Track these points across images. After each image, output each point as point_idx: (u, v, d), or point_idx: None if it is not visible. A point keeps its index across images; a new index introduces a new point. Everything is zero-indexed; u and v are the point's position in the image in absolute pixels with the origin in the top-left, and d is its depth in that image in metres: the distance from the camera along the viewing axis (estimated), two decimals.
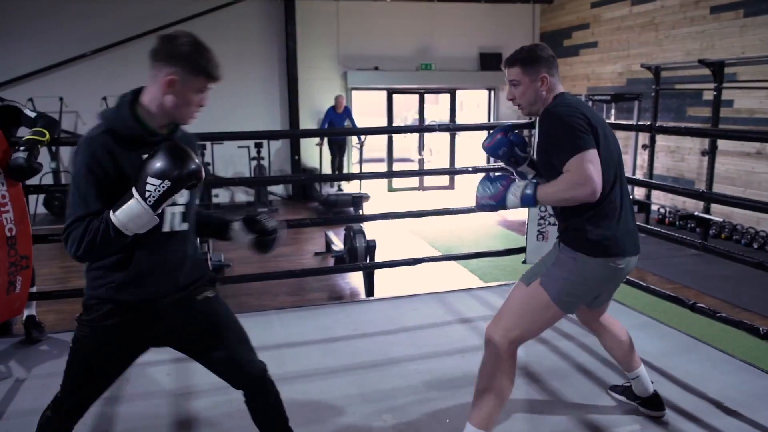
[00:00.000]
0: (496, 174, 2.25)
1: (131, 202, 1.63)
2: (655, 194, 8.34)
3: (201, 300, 1.96)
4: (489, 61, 11.22)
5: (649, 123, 7.67)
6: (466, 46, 11.06)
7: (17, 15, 9.03)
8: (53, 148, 9.06)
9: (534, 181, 2.15)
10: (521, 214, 8.32)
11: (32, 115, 3.35)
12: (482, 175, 2.35)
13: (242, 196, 10.51)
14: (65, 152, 9.44)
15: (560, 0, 10.80)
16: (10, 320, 3.50)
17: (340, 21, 10.36)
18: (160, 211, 1.68)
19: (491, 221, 8.44)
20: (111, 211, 1.65)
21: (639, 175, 8.28)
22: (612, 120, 8.42)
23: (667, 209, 8.08)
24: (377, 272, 5.18)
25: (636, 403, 2.67)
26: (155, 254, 1.81)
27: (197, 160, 1.73)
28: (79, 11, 9.21)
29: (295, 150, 10.51)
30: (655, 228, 4.06)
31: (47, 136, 3.24)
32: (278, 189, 10.74)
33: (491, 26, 11.15)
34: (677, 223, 7.78)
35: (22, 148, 3.08)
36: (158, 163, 1.65)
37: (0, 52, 8.93)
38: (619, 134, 8.90)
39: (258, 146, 9.54)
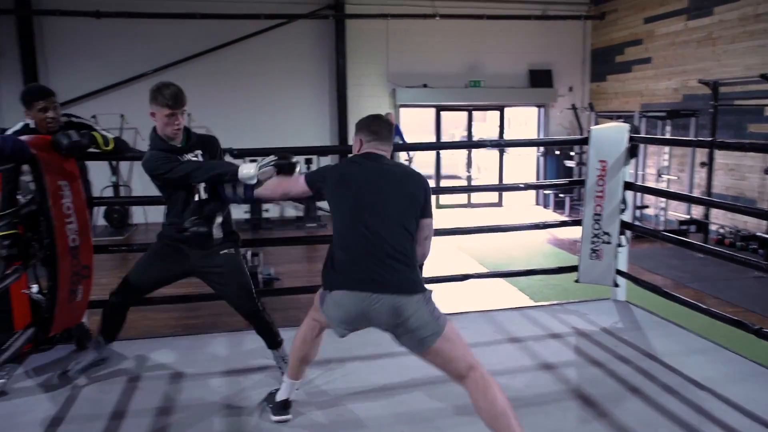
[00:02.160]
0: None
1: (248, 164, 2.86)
2: (714, 214, 8.03)
3: (222, 254, 3.06)
4: (538, 78, 11.11)
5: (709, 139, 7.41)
6: (515, 62, 10.99)
7: (84, 36, 9.48)
8: (113, 164, 9.43)
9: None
10: (572, 232, 8.17)
11: (109, 136, 3.49)
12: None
13: (292, 210, 10.66)
14: (124, 167, 9.80)
15: (612, 16, 10.63)
16: (70, 327, 3.62)
17: (389, 38, 10.46)
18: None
19: (541, 239, 8.29)
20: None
21: (696, 194, 7.99)
22: (668, 137, 8.20)
23: (727, 229, 7.76)
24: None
25: None
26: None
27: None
28: (142, 32, 9.60)
29: None
30: (716, 248, 3.90)
31: (110, 146, 3.39)
32: (327, 204, 10.83)
33: (541, 43, 11.05)
34: (737, 244, 7.46)
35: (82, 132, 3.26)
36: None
37: (68, 72, 9.37)
38: (676, 151, 8.62)
39: (308, 162, 9.68)
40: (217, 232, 3.05)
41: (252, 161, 2.87)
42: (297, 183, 2.73)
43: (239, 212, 9.91)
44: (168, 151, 2.92)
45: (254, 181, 2.83)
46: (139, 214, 10.01)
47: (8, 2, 9.15)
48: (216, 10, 9.58)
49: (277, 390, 2.85)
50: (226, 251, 3.08)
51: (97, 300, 3.70)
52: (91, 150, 3.36)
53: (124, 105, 9.55)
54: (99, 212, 9.36)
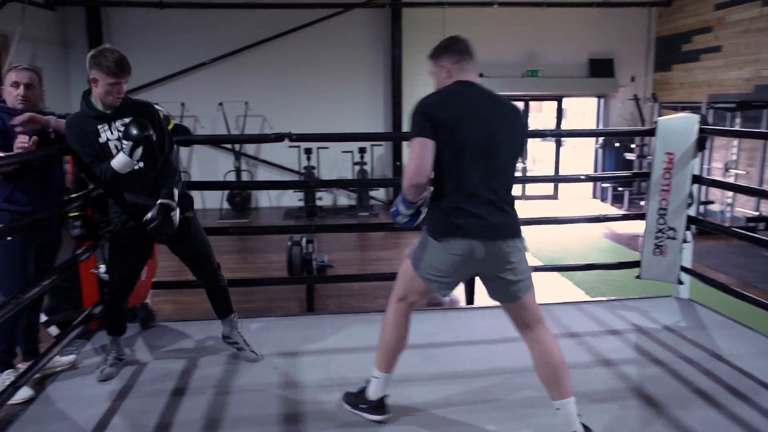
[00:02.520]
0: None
1: (119, 155, 2.76)
2: None
3: (181, 218, 2.94)
4: (599, 68, 10.78)
5: None
6: (575, 52, 10.69)
7: (148, 26, 9.78)
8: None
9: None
10: (631, 227, 7.92)
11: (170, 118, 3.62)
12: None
13: (344, 199, 10.75)
14: (183, 152, 10.09)
15: (680, 2, 10.18)
16: (134, 306, 3.76)
17: (446, 27, 10.32)
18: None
19: (597, 233, 8.08)
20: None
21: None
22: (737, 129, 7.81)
23: None
24: (478, 280, 5.08)
25: None
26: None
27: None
28: (202, 22, 9.83)
29: (397, 156, 10.60)
30: None
31: (170, 126, 3.54)
32: (379, 194, 10.88)
33: (603, 31, 10.70)
34: None
35: None
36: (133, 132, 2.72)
37: (131, 61, 9.63)
38: (745, 144, 8.21)
39: (361, 151, 9.71)
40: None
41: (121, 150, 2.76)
42: (424, 148, 2.25)
43: (293, 200, 10.06)
44: (93, 117, 2.79)
45: (130, 167, 2.75)
46: (196, 200, 10.28)
47: None
48: (274, 0, 9.70)
49: (363, 389, 2.68)
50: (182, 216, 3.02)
51: (163, 281, 3.83)
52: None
53: (184, 94, 9.82)
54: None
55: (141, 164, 2.85)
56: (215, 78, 10.00)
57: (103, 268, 3.56)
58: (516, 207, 2.36)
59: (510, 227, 2.32)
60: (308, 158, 9.57)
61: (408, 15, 10.25)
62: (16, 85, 2.88)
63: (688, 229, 3.95)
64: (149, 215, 2.81)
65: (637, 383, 3.00)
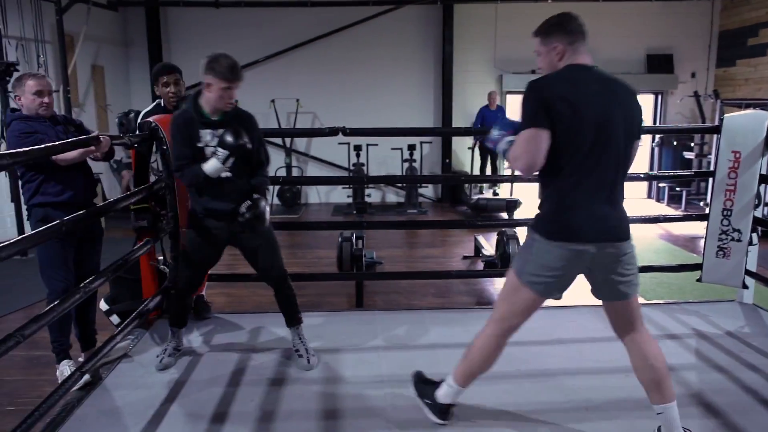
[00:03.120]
0: (507, 121, 2.33)
1: (212, 160, 2.82)
2: None
3: (260, 230, 2.95)
4: (657, 63, 10.43)
5: None
6: (632, 47, 10.37)
7: (203, 25, 10.02)
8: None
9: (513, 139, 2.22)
10: (688, 228, 7.64)
11: None
12: None
13: (393, 196, 10.76)
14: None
15: None
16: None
17: (497, 24, 10.22)
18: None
19: (653, 234, 7.82)
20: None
21: None
22: None
23: None
24: None
25: None
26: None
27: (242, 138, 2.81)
28: (255, 20, 10.01)
29: (446, 153, 10.55)
30: None
31: None
32: (428, 191, 10.84)
33: (662, 26, 10.35)
34: None
35: None
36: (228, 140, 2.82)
37: (188, 59, 9.89)
38: None
39: (411, 148, 9.70)
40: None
41: (214, 155, 2.82)
42: (538, 140, 2.07)
43: (342, 196, 10.14)
44: (199, 120, 2.87)
45: (219, 173, 2.81)
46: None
47: None
48: None
49: (435, 383, 2.61)
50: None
51: (217, 274, 3.92)
52: None
53: (238, 91, 9.96)
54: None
55: (230, 174, 2.90)
56: (267, 75, 10.17)
57: (162, 259, 3.68)
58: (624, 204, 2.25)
59: (625, 228, 2.22)
60: (357, 155, 9.62)
61: (459, 11, 10.17)
62: (40, 93, 2.98)
63: (754, 231, 3.78)
64: (243, 208, 2.88)
65: (697, 390, 2.89)
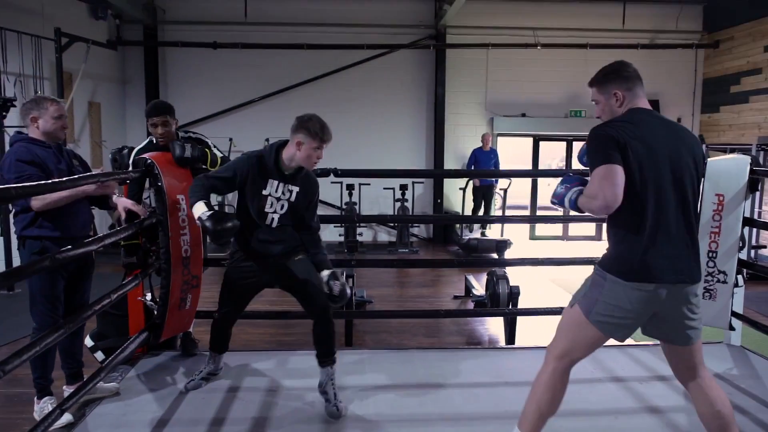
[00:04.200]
0: (572, 176, 2.37)
1: (202, 208, 2.80)
2: None
3: (295, 260, 3.09)
4: None
5: None
6: None
7: (201, 65, 10.20)
8: None
9: (581, 189, 2.26)
10: None
11: (219, 155, 3.73)
12: None
13: (384, 236, 10.78)
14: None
15: (727, 44, 10.05)
16: (176, 335, 3.83)
17: (489, 68, 10.46)
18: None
19: None
20: (202, 199, 2.82)
21: None
22: None
23: None
24: (519, 321, 5.00)
25: None
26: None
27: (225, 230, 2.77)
28: (252, 61, 10.20)
29: (438, 193, 10.63)
30: None
31: (216, 166, 3.63)
32: (420, 231, 10.89)
33: (648, 72, 10.39)
34: None
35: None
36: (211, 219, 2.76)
37: (185, 97, 10.08)
38: None
39: (402, 188, 9.78)
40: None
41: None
42: (615, 175, 2.07)
43: (334, 235, 10.16)
44: (273, 172, 2.95)
45: (206, 220, 2.76)
46: None
47: (138, 34, 10.03)
48: (322, 40, 10.01)
49: None
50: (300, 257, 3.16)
51: (204, 311, 3.90)
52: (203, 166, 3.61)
53: (233, 129, 10.13)
54: None
55: (279, 223, 3.03)
56: (262, 114, 10.31)
57: (149, 296, 3.66)
58: (698, 244, 2.24)
59: (696, 270, 2.20)
60: (350, 194, 9.68)
61: (451, 55, 10.42)
62: (60, 117, 3.03)
63: (739, 273, 3.82)
64: (335, 287, 2.98)
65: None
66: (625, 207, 2.11)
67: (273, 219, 3.03)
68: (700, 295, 2.24)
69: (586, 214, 2.33)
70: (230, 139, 10.01)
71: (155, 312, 3.47)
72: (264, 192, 2.96)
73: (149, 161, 3.29)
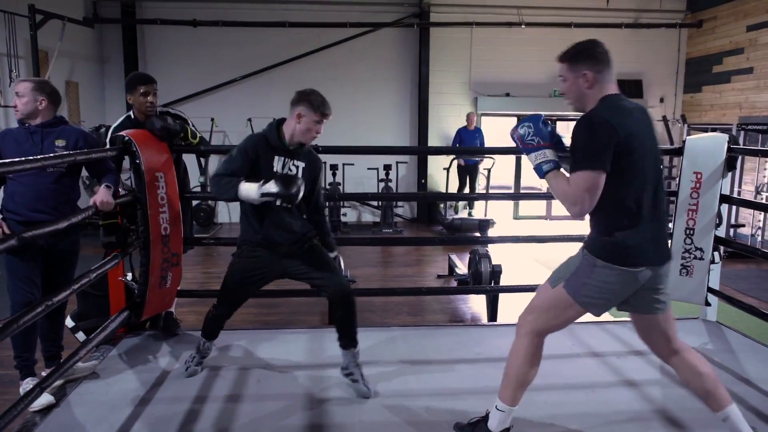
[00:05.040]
0: (546, 124, 2.30)
1: (254, 186, 2.71)
2: None
3: (306, 247, 3.01)
4: (627, 88, 10.69)
5: None
6: None
7: (181, 44, 10.04)
8: (203, 163, 9.92)
9: (556, 163, 2.24)
10: None
11: (196, 135, 3.71)
12: None
13: (368, 216, 10.79)
14: (212, 168, 10.27)
15: (710, 24, 10.10)
16: (159, 314, 3.82)
17: (473, 47, 10.42)
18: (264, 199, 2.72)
19: None
20: (242, 181, 2.74)
21: None
22: None
23: None
24: (501, 298, 5.06)
25: None
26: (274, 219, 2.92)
27: (297, 188, 2.73)
28: (233, 40, 10.06)
29: (422, 173, 10.64)
30: None
31: (196, 140, 3.62)
32: (404, 211, 10.90)
33: (632, 52, 10.64)
34: None
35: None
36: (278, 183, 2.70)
37: (164, 77, 9.89)
38: None
39: (387, 168, 9.77)
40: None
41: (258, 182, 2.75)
42: (598, 187, 2.10)
43: None
44: (276, 147, 2.89)
45: (257, 201, 2.73)
46: (224, 213, 10.45)
47: (115, 12, 9.83)
48: (304, 18, 9.89)
49: (478, 419, 2.54)
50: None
51: (185, 290, 3.89)
52: (184, 143, 3.59)
53: (214, 109, 10.02)
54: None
55: (290, 206, 2.90)
56: (244, 94, 10.20)
57: (130, 276, 3.64)
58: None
59: (669, 250, 2.33)
60: (333, 175, 9.65)
61: (435, 34, 10.35)
62: (17, 95, 2.98)
63: (716, 249, 3.88)
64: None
65: (661, 405, 2.94)
66: (615, 196, 2.15)
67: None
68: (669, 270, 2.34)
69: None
70: (212, 119, 9.91)
71: (135, 291, 3.46)
72: (273, 170, 2.88)
73: (127, 138, 3.25)
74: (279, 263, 2.99)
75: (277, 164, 2.89)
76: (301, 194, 2.76)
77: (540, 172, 2.27)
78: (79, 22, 9.04)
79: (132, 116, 3.60)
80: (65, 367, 2.79)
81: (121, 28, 9.88)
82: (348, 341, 3.01)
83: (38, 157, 2.58)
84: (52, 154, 2.83)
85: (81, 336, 3.68)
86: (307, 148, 3.01)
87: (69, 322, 3.67)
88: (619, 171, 2.11)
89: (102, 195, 2.98)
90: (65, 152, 2.93)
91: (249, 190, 2.71)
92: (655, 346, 2.43)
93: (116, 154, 3.28)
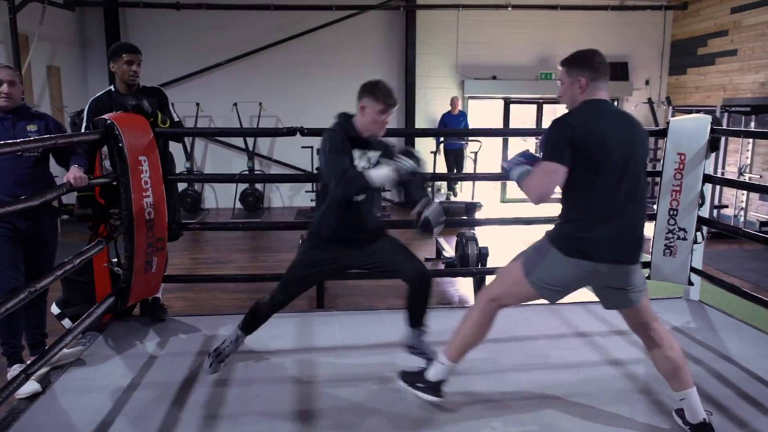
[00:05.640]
0: (528, 153, 2.47)
1: (383, 169, 2.64)
2: None
3: (380, 239, 2.98)
4: (613, 71, 10.70)
5: None
6: None
7: (164, 27, 9.89)
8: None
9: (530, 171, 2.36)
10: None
11: (167, 121, 3.71)
12: None
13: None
14: (198, 153, 10.19)
15: (695, 6, 10.11)
16: (146, 299, 3.81)
17: (459, 30, 10.36)
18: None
19: None
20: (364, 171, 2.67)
21: None
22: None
23: None
24: (489, 280, 5.09)
25: (687, 429, 2.51)
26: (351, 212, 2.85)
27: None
28: (218, 23, 9.92)
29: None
30: None
31: (167, 124, 3.66)
32: (392, 195, 10.89)
33: (618, 34, 10.65)
34: None
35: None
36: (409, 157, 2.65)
37: (148, 61, 9.73)
38: (760, 149, 8.13)
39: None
40: None
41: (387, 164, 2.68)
42: (556, 175, 2.23)
43: (305, 200, 10.13)
44: (355, 140, 2.83)
45: (400, 164, 2.62)
46: (210, 199, 10.39)
47: None
48: (289, 1, 9.76)
49: (422, 369, 2.70)
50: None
51: (171, 275, 3.88)
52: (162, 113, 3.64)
53: (199, 94, 9.91)
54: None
55: (363, 195, 2.82)
56: (230, 79, 10.09)
57: (115, 261, 3.62)
58: (644, 229, 2.40)
59: (637, 253, 2.37)
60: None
61: (422, 17, 10.28)
62: None
63: (698, 230, 3.93)
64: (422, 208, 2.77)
65: (644, 383, 2.99)
66: (579, 189, 2.28)
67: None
68: (639, 271, 2.40)
69: None
70: (197, 104, 9.81)
71: (121, 277, 3.44)
72: (354, 163, 2.81)
73: (109, 122, 3.21)
74: (351, 255, 2.94)
75: (357, 156, 2.83)
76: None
77: (520, 177, 2.38)
78: (60, 5, 8.86)
79: (113, 89, 3.60)
80: (50, 354, 2.78)
81: (103, 11, 9.70)
82: (419, 321, 3.03)
83: (18, 140, 2.54)
84: (31, 138, 2.80)
85: (67, 323, 3.66)
86: (377, 138, 2.94)
87: (54, 309, 3.65)
88: (581, 167, 2.23)
89: (74, 171, 2.93)
90: (42, 136, 2.90)
91: (380, 174, 2.63)
92: (633, 328, 2.56)
93: (99, 138, 3.24)
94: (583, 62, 2.34)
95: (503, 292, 2.50)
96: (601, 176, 2.25)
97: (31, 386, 2.80)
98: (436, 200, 3.02)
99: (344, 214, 2.85)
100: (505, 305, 2.52)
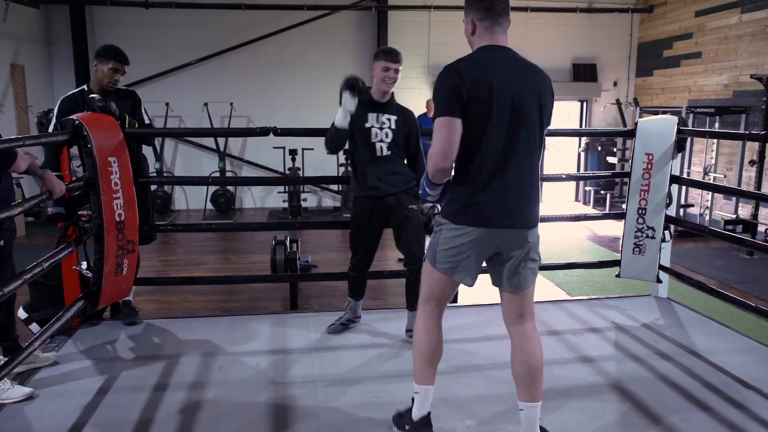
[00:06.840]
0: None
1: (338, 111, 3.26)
2: (762, 214, 7.77)
3: (410, 208, 3.33)
4: (582, 72, 10.90)
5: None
6: (559, 56, 10.79)
7: (133, 26, 9.72)
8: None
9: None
10: (612, 229, 8.02)
11: (145, 120, 3.67)
12: None
13: (329, 201, 10.75)
14: (168, 153, 10.04)
15: (661, 9, 10.34)
16: (117, 302, 3.74)
17: (431, 30, 10.42)
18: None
19: (580, 236, 8.16)
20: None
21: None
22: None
23: None
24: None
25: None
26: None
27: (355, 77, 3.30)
28: (187, 22, 9.78)
29: None
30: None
31: (135, 126, 3.65)
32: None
33: (586, 36, 10.83)
34: None
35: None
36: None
37: None
38: (723, 149, 8.35)
39: (346, 153, 9.72)
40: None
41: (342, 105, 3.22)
42: (451, 129, 2.05)
43: (278, 201, 10.05)
44: (369, 104, 3.31)
45: (348, 115, 3.22)
46: (181, 200, 10.24)
47: None
48: (260, 1, 9.69)
49: (410, 408, 2.46)
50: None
51: (143, 278, 3.81)
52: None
53: (169, 94, 9.76)
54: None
55: (389, 152, 3.30)
56: (200, 78, 9.96)
57: (84, 264, 3.55)
58: (538, 190, 2.22)
59: (531, 216, 2.18)
60: (293, 160, 9.55)
61: (393, 17, 10.30)
62: None
63: (666, 228, 4.02)
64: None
65: (615, 379, 3.05)
66: (462, 152, 2.09)
67: (381, 148, 3.29)
68: (536, 241, 2.23)
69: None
70: (167, 104, 9.66)
71: (91, 280, 3.37)
72: (367, 125, 3.29)
73: (77, 122, 3.15)
74: (385, 213, 3.34)
75: (372, 119, 3.29)
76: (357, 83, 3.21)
77: (427, 182, 2.21)
78: (24, 2, 8.65)
79: (86, 89, 3.55)
80: (19, 359, 2.71)
81: (69, 8, 9.49)
82: (413, 305, 3.29)
83: None
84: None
85: (35, 327, 3.57)
86: (395, 103, 3.40)
87: (21, 314, 3.56)
88: (469, 122, 2.05)
89: (56, 182, 2.86)
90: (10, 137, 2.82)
91: (337, 115, 3.22)
92: (506, 318, 2.33)
93: (68, 138, 3.17)
94: (473, 2, 2.14)
95: (428, 290, 2.34)
96: (487, 132, 2.06)
97: (20, 390, 2.77)
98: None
99: (366, 171, 3.31)
100: (441, 302, 2.34)
